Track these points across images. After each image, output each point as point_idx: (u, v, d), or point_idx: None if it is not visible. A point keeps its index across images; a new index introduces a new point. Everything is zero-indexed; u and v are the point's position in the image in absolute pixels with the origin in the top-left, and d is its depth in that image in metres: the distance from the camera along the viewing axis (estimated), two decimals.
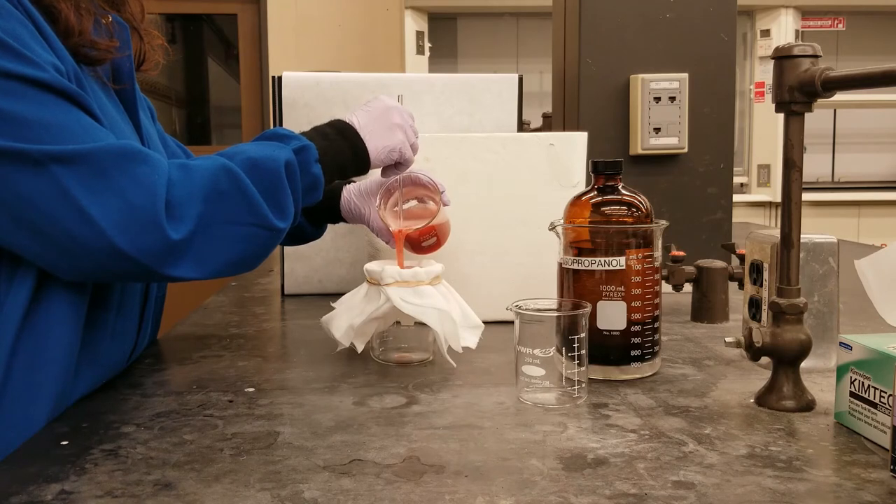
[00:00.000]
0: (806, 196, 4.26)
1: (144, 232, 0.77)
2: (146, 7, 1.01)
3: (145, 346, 1.06)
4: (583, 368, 0.84)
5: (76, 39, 0.84)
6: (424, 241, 1.08)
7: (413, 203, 1.10)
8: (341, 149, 1.00)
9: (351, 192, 1.16)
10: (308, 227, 1.21)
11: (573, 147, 1.23)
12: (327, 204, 1.16)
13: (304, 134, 0.97)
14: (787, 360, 0.82)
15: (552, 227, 0.96)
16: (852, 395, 0.75)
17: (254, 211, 0.85)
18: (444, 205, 1.09)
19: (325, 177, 0.95)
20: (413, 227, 1.05)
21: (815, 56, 0.79)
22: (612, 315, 0.92)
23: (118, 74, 0.95)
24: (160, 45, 1.05)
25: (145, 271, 0.80)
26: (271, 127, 1.11)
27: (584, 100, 1.57)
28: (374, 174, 1.14)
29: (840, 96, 0.86)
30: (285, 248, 1.48)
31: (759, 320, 0.98)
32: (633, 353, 0.92)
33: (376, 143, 1.02)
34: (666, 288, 1.10)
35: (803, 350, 0.81)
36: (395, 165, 1.07)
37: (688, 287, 1.24)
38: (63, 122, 0.76)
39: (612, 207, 0.96)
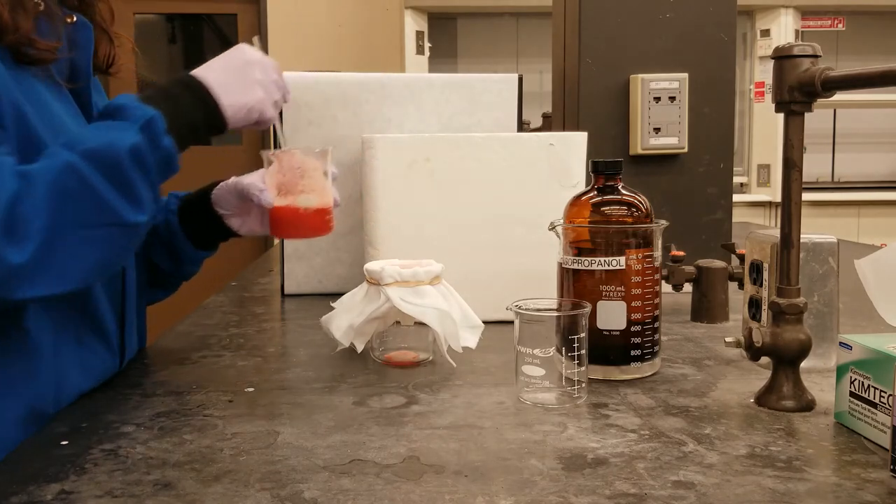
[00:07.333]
0: (806, 196, 4.24)
1: None
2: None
3: (133, 355, 1.03)
4: (583, 368, 0.84)
5: (12, 37, 0.83)
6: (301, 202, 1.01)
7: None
8: (191, 109, 0.90)
9: (221, 188, 1.09)
10: (189, 250, 1.12)
11: (573, 147, 1.23)
12: (207, 226, 1.10)
13: (148, 98, 0.87)
14: (787, 360, 0.82)
15: (552, 227, 0.96)
16: (852, 394, 0.75)
17: (105, 209, 0.78)
18: (333, 179, 1.03)
19: (179, 144, 0.87)
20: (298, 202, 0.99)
21: (815, 56, 0.79)
22: (612, 315, 0.92)
23: (75, 74, 0.94)
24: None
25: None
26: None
27: (584, 100, 1.57)
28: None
29: (840, 96, 0.86)
30: (285, 248, 1.48)
31: (759, 320, 0.98)
32: (632, 353, 0.92)
33: (232, 101, 0.93)
34: (666, 288, 1.10)
35: (803, 350, 0.81)
36: (256, 125, 0.98)
37: (688, 287, 1.24)
38: None
39: (612, 207, 0.96)
